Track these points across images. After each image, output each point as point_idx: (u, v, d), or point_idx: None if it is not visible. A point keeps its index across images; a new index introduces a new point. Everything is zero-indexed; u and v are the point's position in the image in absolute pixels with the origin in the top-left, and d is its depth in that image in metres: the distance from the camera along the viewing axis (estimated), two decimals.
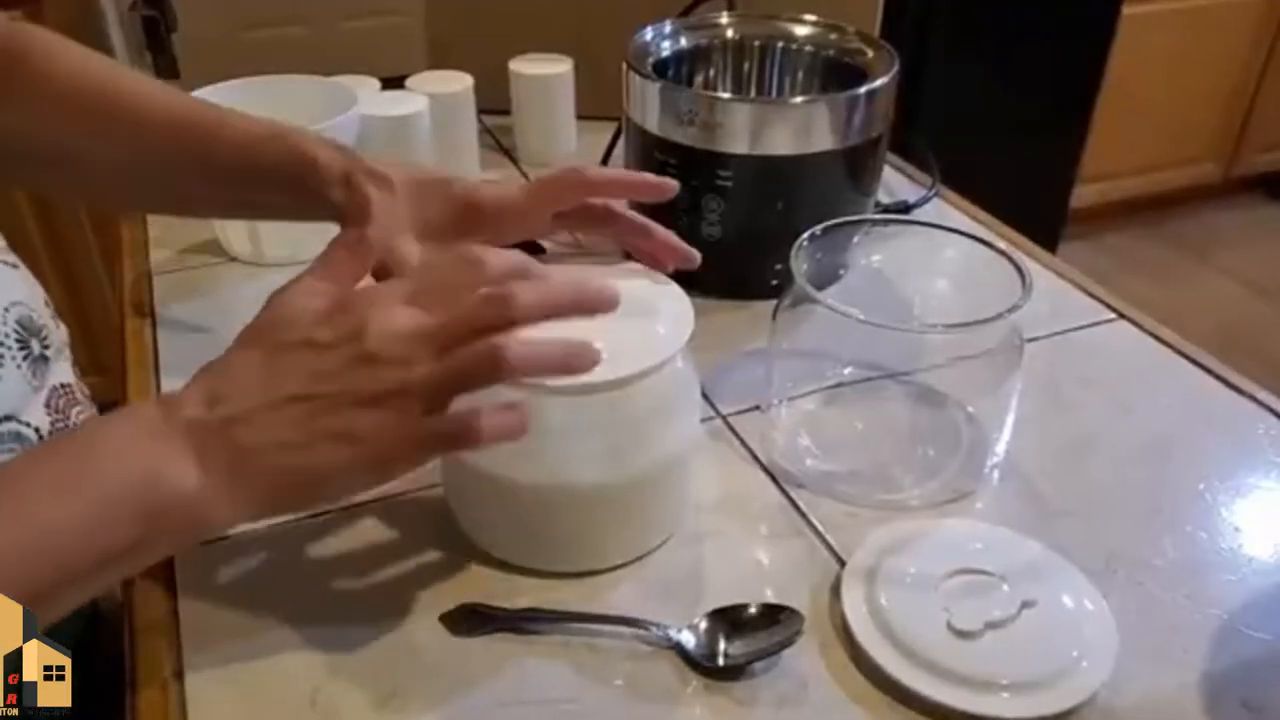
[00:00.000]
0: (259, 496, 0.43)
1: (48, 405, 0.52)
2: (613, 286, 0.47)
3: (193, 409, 0.42)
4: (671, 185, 0.63)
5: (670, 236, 0.63)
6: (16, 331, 0.50)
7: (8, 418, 0.48)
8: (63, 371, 0.55)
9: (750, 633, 0.51)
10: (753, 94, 0.88)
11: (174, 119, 0.59)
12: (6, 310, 0.50)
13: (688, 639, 0.50)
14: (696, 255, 0.63)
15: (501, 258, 0.46)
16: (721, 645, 0.50)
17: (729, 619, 0.51)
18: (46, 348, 0.52)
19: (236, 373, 0.43)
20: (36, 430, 0.51)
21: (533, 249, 0.79)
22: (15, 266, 0.53)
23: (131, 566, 0.43)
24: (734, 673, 0.49)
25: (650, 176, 0.64)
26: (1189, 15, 2.36)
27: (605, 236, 0.65)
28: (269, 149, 0.58)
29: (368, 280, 0.50)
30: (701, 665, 0.50)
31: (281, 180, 0.57)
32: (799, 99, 0.82)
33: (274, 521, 0.58)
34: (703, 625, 0.51)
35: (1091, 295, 0.80)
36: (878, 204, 0.87)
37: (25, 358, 0.50)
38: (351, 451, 0.42)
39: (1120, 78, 2.24)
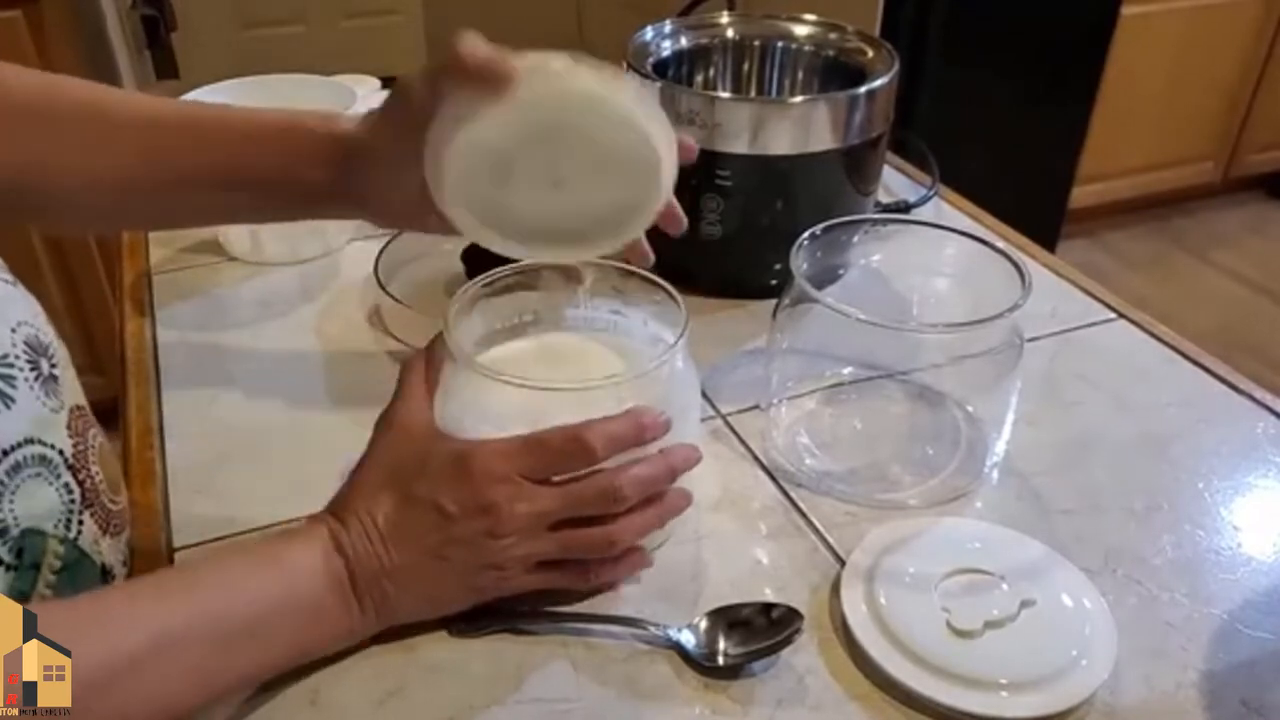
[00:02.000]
0: (388, 625, 0.51)
1: (69, 428, 0.52)
2: (697, 452, 0.54)
3: (357, 558, 0.49)
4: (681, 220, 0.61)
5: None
6: (26, 352, 0.49)
7: (29, 440, 0.48)
8: (76, 392, 0.55)
9: (749, 632, 0.51)
10: (752, 94, 0.88)
11: (182, 117, 0.59)
12: (14, 330, 0.49)
13: (687, 639, 0.50)
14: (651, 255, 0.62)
15: (606, 438, 0.49)
16: (721, 644, 0.50)
17: (728, 618, 0.51)
18: (54, 366, 0.52)
19: (378, 513, 0.49)
20: (60, 452, 0.50)
21: None
22: (14, 284, 0.52)
23: (262, 679, 0.49)
24: (733, 672, 0.49)
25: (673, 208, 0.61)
26: (1189, 15, 2.36)
27: None
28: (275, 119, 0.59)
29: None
30: (701, 665, 0.50)
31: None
32: (799, 99, 0.82)
33: (273, 521, 0.58)
34: (702, 625, 0.51)
35: (1091, 294, 0.80)
36: (877, 204, 0.87)
37: (37, 378, 0.49)
38: (476, 598, 0.51)
39: (1120, 77, 2.24)
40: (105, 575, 0.53)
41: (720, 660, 0.50)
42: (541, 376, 0.51)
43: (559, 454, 0.49)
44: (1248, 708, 0.48)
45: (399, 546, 0.49)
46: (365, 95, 0.88)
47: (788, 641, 0.50)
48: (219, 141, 0.59)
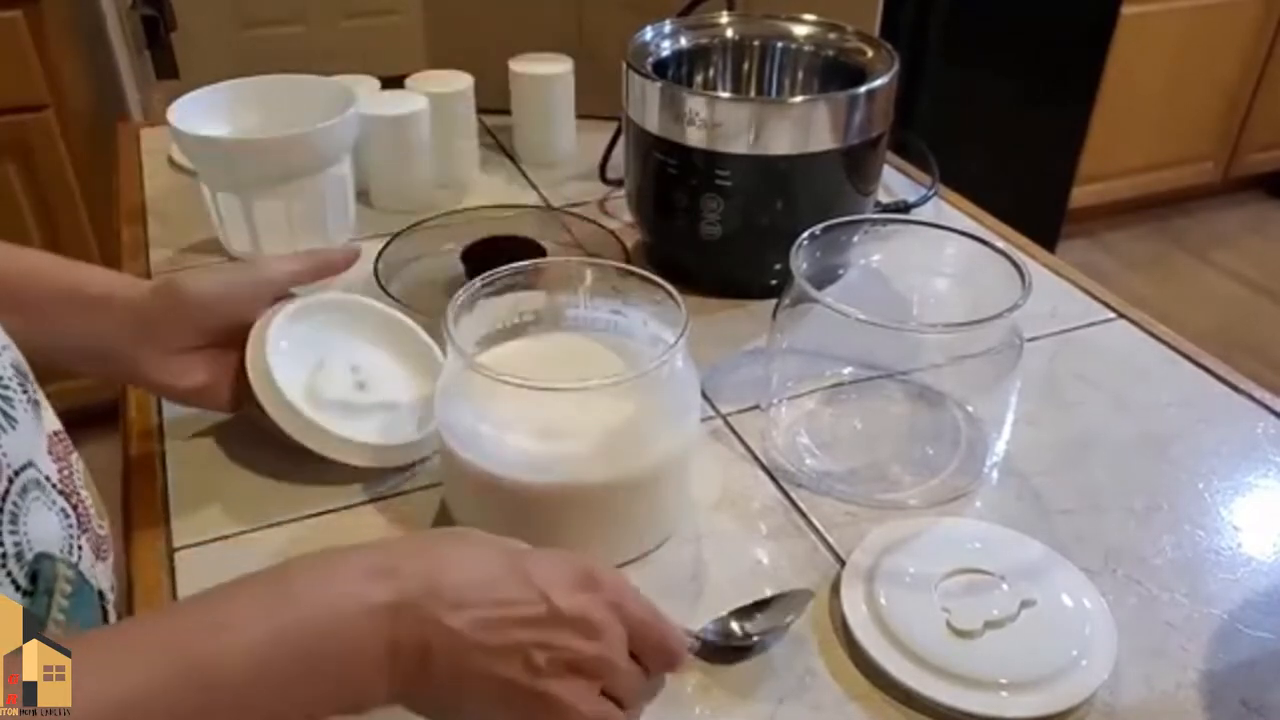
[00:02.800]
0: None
1: (50, 453, 0.52)
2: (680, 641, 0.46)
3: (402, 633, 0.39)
4: (354, 251, 0.69)
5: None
6: (16, 375, 0.49)
7: (29, 465, 0.48)
8: (52, 418, 0.54)
9: (760, 614, 0.51)
10: (752, 94, 0.88)
11: None
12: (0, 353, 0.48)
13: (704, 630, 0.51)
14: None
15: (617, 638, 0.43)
16: (735, 627, 0.51)
17: (735, 611, 0.52)
18: (36, 390, 0.52)
19: (492, 588, 0.41)
20: (48, 479, 0.50)
21: (534, 250, 0.80)
22: None
23: None
24: (749, 651, 0.50)
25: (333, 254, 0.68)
26: (1188, 15, 2.36)
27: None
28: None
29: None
30: (720, 647, 0.50)
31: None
32: (799, 99, 0.82)
33: (273, 520, 0.58)
34: (712, 619, 0.51)
35: (1090, 294, 0.80)
36: (877, 203, 0.87)
37: (27, 400, 0.49)
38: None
39: (1119, 77, 2.24)
40: (101, 600, 0.51)
41: (739, 638, 0.50)
42: (541, 376, 0.51)
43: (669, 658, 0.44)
44: (1248, 708, 0.48)
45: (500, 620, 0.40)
46: (365, 95, 0.88)
47: (799, 613, 0.51)
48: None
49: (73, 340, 0.59)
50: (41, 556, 0.47)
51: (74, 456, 0.54)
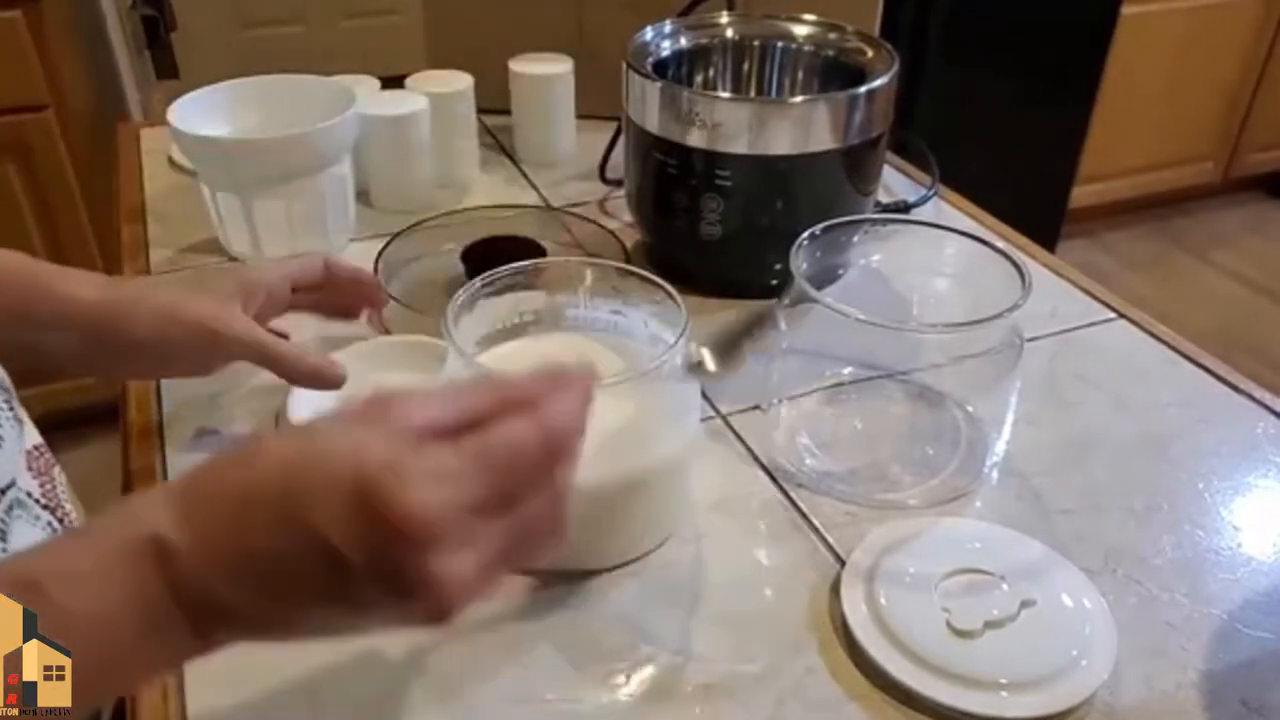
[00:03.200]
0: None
1: (30, 469, 0.51)
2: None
3: (195, 579, 0.35)
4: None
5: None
6: (1, 393, 0.49)
7: (12, 484, 0.48)
8: (33, 434, 0.54)
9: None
10: (752, 94, 0.88)
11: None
12: None
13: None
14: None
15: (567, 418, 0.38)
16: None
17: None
18: (20, 408, 0.52)
19: (251, 552, 0.36)
20: (29, 494, 0.50)
21: (534, 250, 0.80)
22: None
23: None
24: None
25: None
26: (1188, 15, 2.36)
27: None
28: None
29: None
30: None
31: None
32: (799, 99, 0.82)
33: None
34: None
35: (1090, 294, 0.80)
36: (877, 203, 0.87)
37: (14, 419, 0.49)
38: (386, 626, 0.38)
39: (1120, 77, 2.24)
40: None
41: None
42: None
43: (529, 469, 0.36)
44: (1248, 708, 0.48)
45: (267, 587, 0.35)
46: (365, 95, 0.88)
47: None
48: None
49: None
50: None
51: (56, 470, 0.54)
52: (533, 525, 0.37)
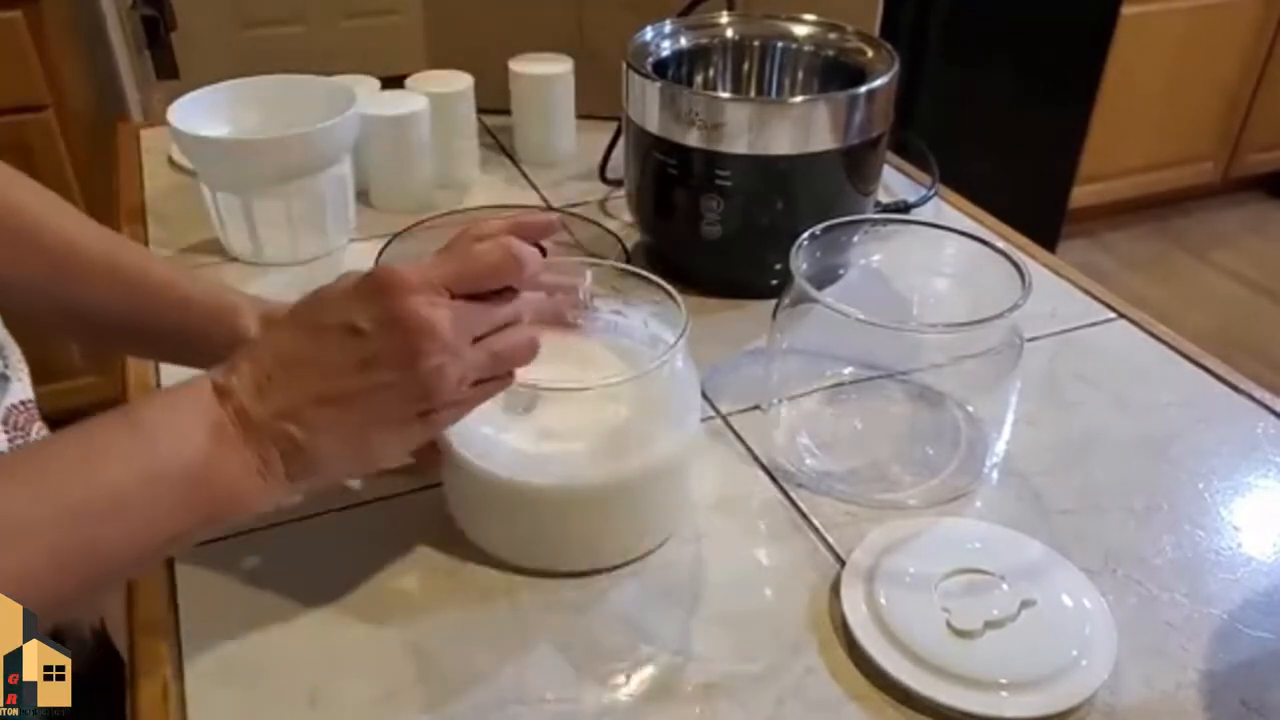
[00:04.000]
0: (307, 484, 0.45)
1: (5, 423, 0.51)
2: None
3: (247, 399, 0.43)
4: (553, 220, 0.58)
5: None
6: None
7: None
8: (22, 389, 0.54)
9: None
10: (753, 94, 0.88)
11: (106, 258, 0.58)
12: None
13: None
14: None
15: (525, 249, 0.47)
16: None
17: None
18: (6, 366, 0.52)
19: (284, 356, 0.44)
20: None
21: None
22: None
23: (163, 552, 0.45)
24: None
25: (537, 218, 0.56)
26: (1189, 15, 2.36)
27: None
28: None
29: None
30: None
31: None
32: (799, 99, 0.82)
33: (273, 521, 0.58)
34: None
35: (1091, 294, 0.80)
36: (878, 204, 0.87)
37: None
38: (407, 438, 0.46)
39: (1120, 77, 2.25)
40: None
41: None
42: (541, 376, 0.51)
43: (490, 269, 0.45)
44: (1248, 708, 0.48)
45: (302, 378, 0.43)
46: (365, 95, 0.88)
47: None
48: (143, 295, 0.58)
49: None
50: None
51: (36, 426, 0.54)
52: (506, 337, 0.47)
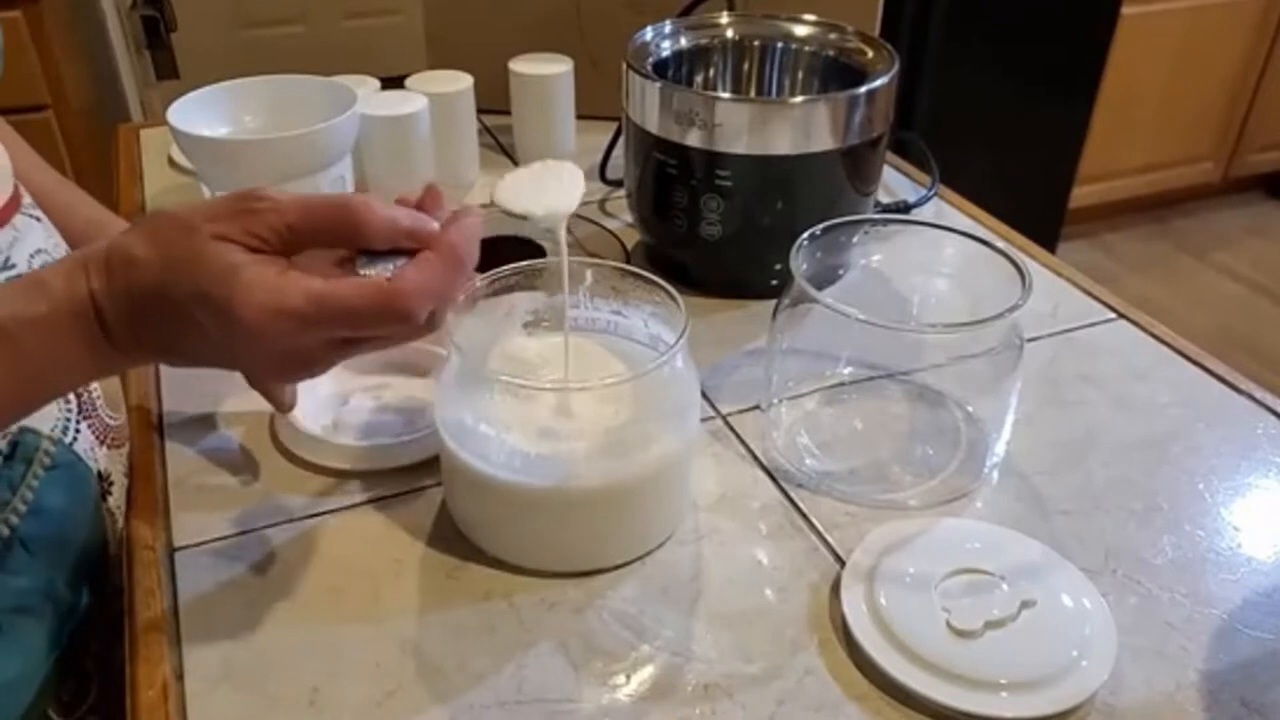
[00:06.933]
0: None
1: None
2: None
3: (116, 324, 0.43)
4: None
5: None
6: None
7: None
8: None
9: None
10: (753, 94, 0.88)
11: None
12: (32, 256, 0.54)
13: None
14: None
15: (421, 293, 0.44)
16: None
17: None
18: None
19: (142, 315, 0.44)
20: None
21: (534, 250, 0.80)
22: (39, 220, 0.56)
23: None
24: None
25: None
26: (1189, 15, 2.36)
27: None
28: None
29: None
30: None
31: None
32: (799, 99, 0.82)
33: (273, 521, 0.58)
34: None
35: (1091, 295, 0.80)
36: (877, 204, 0.87)
37: None
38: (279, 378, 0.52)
39: (1120, 77, 2.25)
40: (102, 480, 0.57)
41: None
42: (541, 377, 0.51)
43: (368, 318, 0.43)
44: (1248, 708, 0.48)
45: (160, 331, 0.44)
46: (365, 95, 0.88)
47: None
48: None
49: None
50: (26, 430, 0.51)
51: None
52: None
